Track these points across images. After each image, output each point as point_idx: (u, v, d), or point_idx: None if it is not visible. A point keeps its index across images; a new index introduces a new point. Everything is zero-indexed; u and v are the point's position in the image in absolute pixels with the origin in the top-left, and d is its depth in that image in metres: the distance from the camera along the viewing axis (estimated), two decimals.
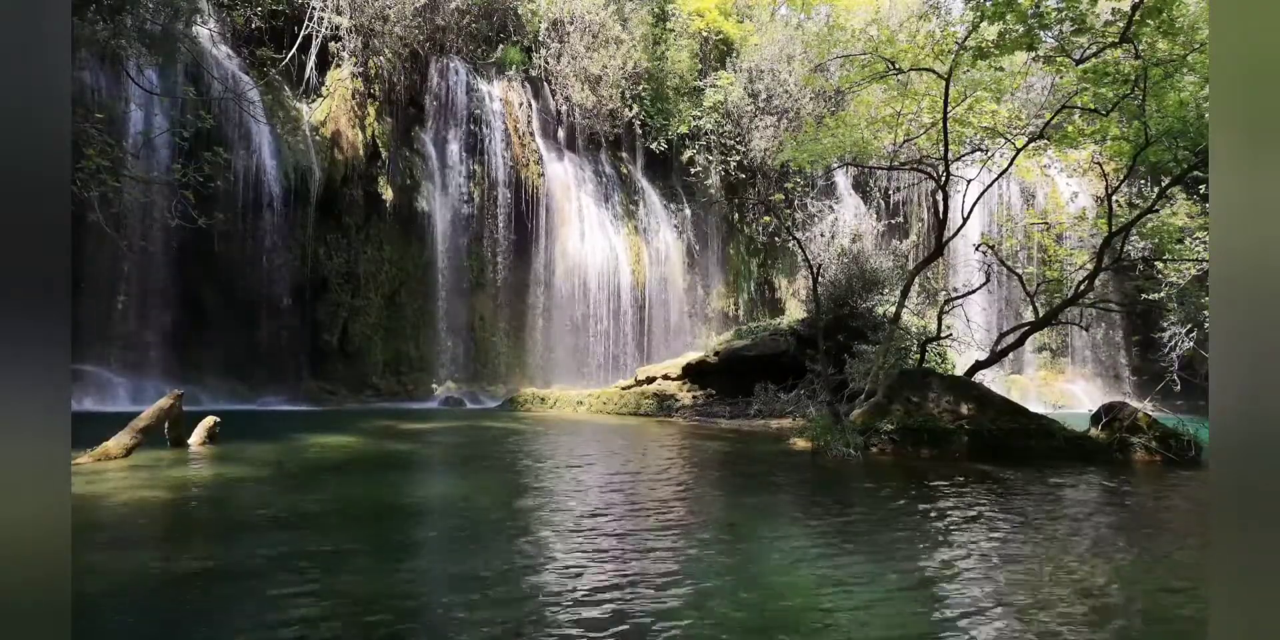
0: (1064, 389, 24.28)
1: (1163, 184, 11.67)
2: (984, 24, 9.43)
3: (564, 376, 21.09)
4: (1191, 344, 18.41)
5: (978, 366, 11.22)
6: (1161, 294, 18.07)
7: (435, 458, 9.29)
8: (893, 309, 12.62)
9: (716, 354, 16.67)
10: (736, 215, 25.99)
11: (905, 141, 12.98)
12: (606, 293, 22.29)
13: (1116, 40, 9.22)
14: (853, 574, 4.06)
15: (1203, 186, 17.33)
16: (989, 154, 12.49)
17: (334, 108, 18.64)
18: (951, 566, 4.28)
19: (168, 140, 14.99)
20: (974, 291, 12.76)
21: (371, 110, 19.31)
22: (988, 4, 9.06)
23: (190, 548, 4.49)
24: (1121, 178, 12.14)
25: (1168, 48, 9.26)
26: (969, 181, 13.11)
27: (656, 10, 24.95)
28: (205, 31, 16.68)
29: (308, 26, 18.32)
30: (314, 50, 18.59)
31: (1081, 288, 11.10)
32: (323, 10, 18.46)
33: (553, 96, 22.86)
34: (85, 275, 14.42)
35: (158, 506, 5.53)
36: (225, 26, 17.68)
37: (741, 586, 3.81)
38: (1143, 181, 17.76)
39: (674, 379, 16.74)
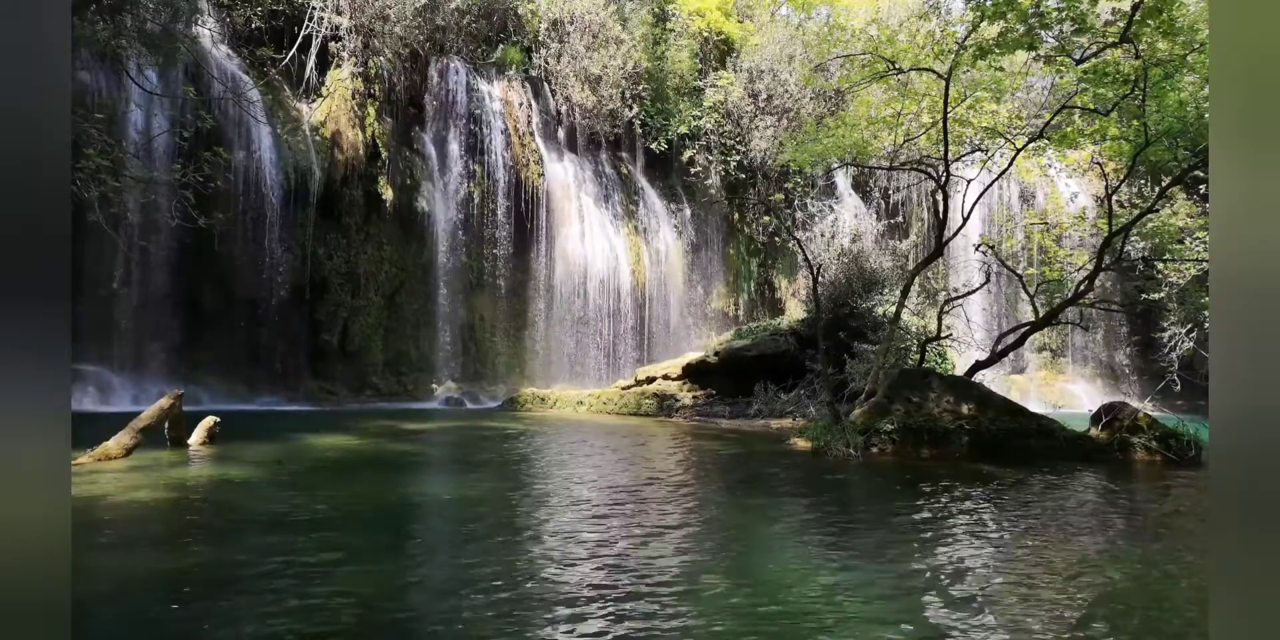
0: (1064, 389, 24.26)
1: (1163, 184, 11.66)
2: (984, 24, 9.43)
3: (564, 376, 21.09)
4: (1191, 344, 18.44)
5: (978, 366, 11.22)
6: (1161, 294, 18.09)
7: (436, 458, 9.29)
8: (893, 309, 12.61)
9: (716, 354, 16.67)
10: (736, 215, 25.98)
11: (905, 141, 12.97)
12: (606, 293, 22.29)
13: (1116, 40, 9.22)
14: (853, 573, 4.05)
15: (1203, 186, 17.33)
16: (989, 154, 12.48)
17: (334, 108, 18.63)
18: (951, 566, 4.28)
19: (168, 140, 14.98)
20: (974, 291, 12.76)
21: (371, 110, 19.30)
22: (988, 4, 9.05)
23: (190, 548, 4.49)
24: (1121, 178, 12.14)
25: (1168, 48, 9.25)
26: (969, 181, 13.11)
27: (656, 10, 24.93)
28: (205, 31, 16.67)
29: (308, 26, 18.31)
30: (314, 50, 18.58)
31: (1081, 288, 11.10)
32: (323, 10, 18.46)
33: (553, 96, 22.85)
34: (85, 275, 14.41)
35: (157, 506, 5.53)
36: (225, 26, 17.67)
37: (741, 586, 3.81)
38: (1143, 181, 17.76)
39: (674, 379, 16.74)
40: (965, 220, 11.87)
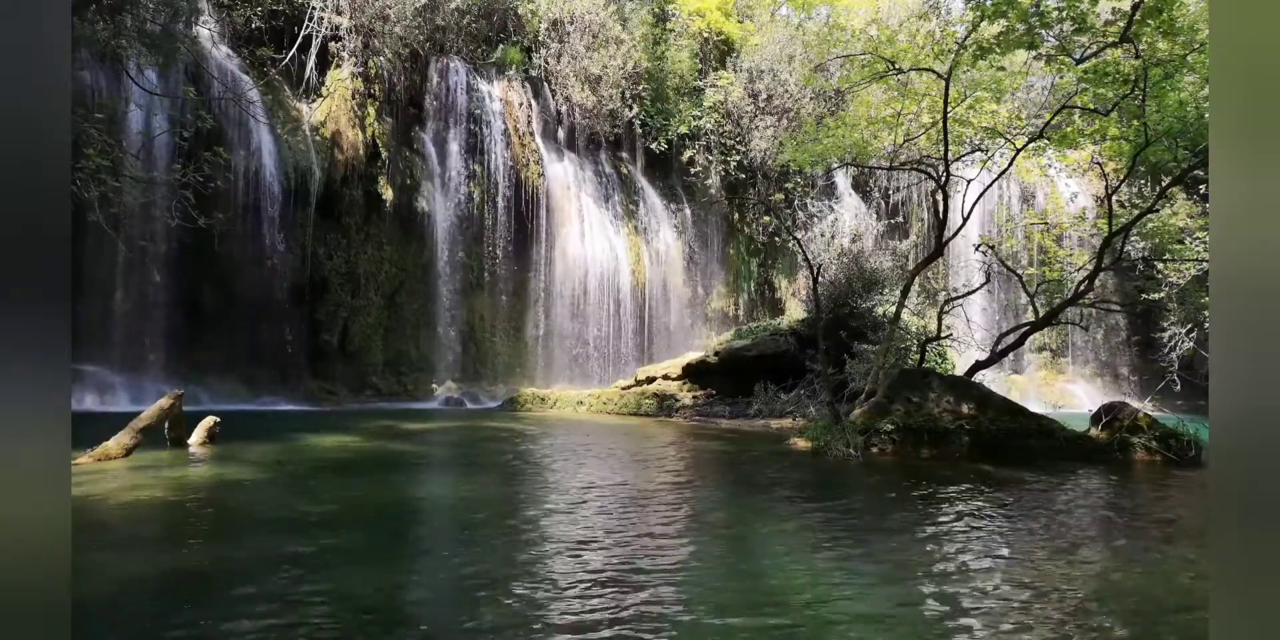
0: (1064, 389, 24.27)
1: (1163, 184, 11.66)
2: (984, 23, 9.43)
3: (564, 376, 21.09)
4: (1191, 344, 18.44)
5: (978, 366, 11.22)
6: (1161, 294, 18.08)
7: (437, 458, 9.29)
8: (893, 309, 12.61)
9: (716, 354, 16.67)
10: (736, 215, 25.98)
11: (905, 141, 12.97)
12: (606, 293, 22.29)
13: (1116, 40, 9.22)
14: (853, 573, 4.05)
15: (1203, 186, 17.34)
16: (989, 154, 12.47)
17: (334, 108, 18.64)
18: (954, 567, 4.28)
19: (168, 140, 14.99)
20: (974, 291, 12.76)
21: (371, 110, 19.30)
22: (988, 3, 9.05)
23: (190, 548, 4.49)
24: (1121, 178, 12.13)
25: (1168, 48, 9.24)
26: (969, 181, 13.10)
27: (656, 10, 24.94)
28: (205, 31, 16.68)
29: (308, 26, 18.31)
30: (314, 50, 18.58)
31: (1081, 288, 11.10)
32: (323, 10, 18.46)
33: (553, 96, 22.86)
34: (85, 275, 14.41)
35: (158, 506, 5.53)
36: (225, 26, 17.68)
37: (741, 588, 3.81)
38: (1143, 181, 17.76)
39: (674, 379, 16.74)
40: (965, 220, 11.87)
